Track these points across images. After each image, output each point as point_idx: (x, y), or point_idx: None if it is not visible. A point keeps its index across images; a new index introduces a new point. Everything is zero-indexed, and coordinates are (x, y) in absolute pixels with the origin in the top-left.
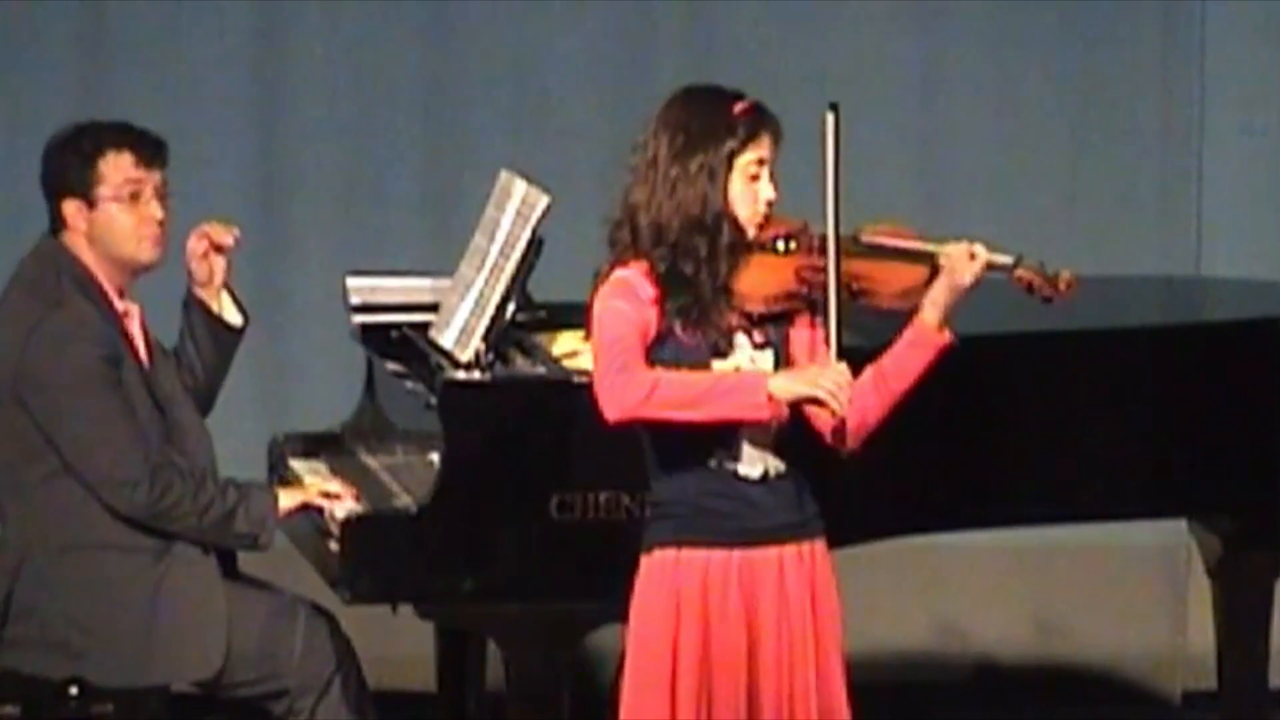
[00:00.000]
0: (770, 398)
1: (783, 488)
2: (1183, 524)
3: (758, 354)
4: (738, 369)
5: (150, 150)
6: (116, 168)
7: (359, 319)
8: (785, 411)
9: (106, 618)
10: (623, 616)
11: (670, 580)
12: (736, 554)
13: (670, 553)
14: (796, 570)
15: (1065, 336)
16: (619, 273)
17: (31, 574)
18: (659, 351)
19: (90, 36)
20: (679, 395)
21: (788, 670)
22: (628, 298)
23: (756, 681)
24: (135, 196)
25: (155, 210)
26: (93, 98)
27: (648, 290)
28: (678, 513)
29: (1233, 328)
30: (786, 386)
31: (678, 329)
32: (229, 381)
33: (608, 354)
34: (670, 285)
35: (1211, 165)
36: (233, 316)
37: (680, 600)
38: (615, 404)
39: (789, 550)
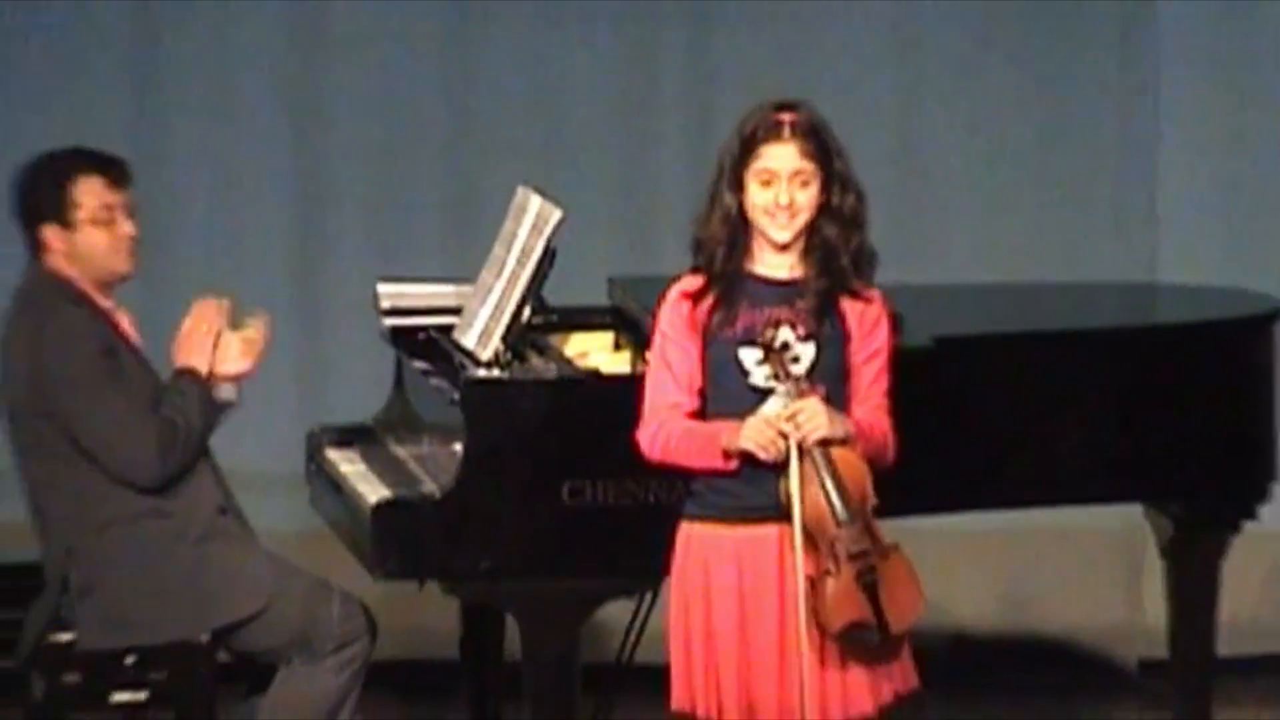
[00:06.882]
0: (726, 451)
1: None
2: (1138, 509)
3: (801, 345)
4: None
5: (117, 172)
6: (89, 192)
7: (389, 322)
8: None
9: (157, 580)
10: (632, 592)
11: (682, 552)
12: (740, 531)
13: (684, 526)
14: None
15: (1034, 338)
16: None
17: (82, 556)
18: (710, 347)
19: (143, 66)
20: (677, 449)
21: (780, 639)
22: (672, 310)
23: (751, 650)
24: (110, 217)
25: (128, 228)
26: (145, 124)
27: (690, 287)
28: (694, 491)
29: (1186, 330)
30: (732, 441)
31: (715, 321)
32: (272, 378)
33: (648, 384)
34: (704, 280)
35: (1166, 184)
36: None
37: (686, 571)
38: (644, 447)
39: (789, 528)
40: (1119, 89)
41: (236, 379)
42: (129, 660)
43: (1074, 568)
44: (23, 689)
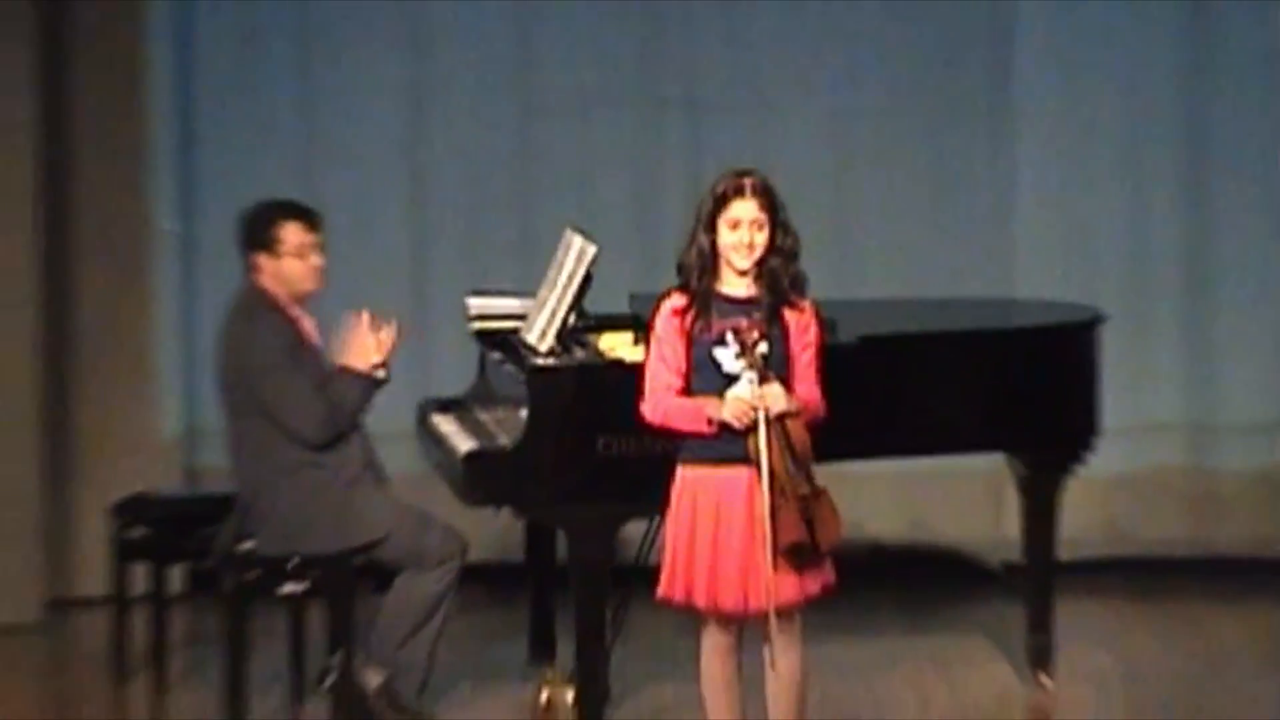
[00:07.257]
0: (710, 420)
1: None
2: (1001, 456)
3: (761, 344)
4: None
5: (313, 219)
6: (292, 232)
7: (475, 325)
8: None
9: (314, 510)
10: (646, 515)
11: (678, 487)
12: (720, 472)
13: (680, 468)
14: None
15: (931, 336)
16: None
17: (264, 492)
18: (692, 347)
19: (304, 140)
20: (672, 418)
21: (743, 550)
22: (665, 321)
23: (719, 557)
24: (305, 252)
25: (317, 260)
26: (308, 183)
27: (678, 305)
28: (687, 444)
29: (1034, 332)
30: (715, 413)
31: (697, 328)
32: (393, 365)
33: (648, 372)
34: (686, 300)
35: (1021, 229)
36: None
37: (679, 501)
38: (647, 415)
39: (756, 473)
40: (988, 163)
41: (380, 367)
42: (292, 564)
43: (956, 497)
44: (216, 583)
